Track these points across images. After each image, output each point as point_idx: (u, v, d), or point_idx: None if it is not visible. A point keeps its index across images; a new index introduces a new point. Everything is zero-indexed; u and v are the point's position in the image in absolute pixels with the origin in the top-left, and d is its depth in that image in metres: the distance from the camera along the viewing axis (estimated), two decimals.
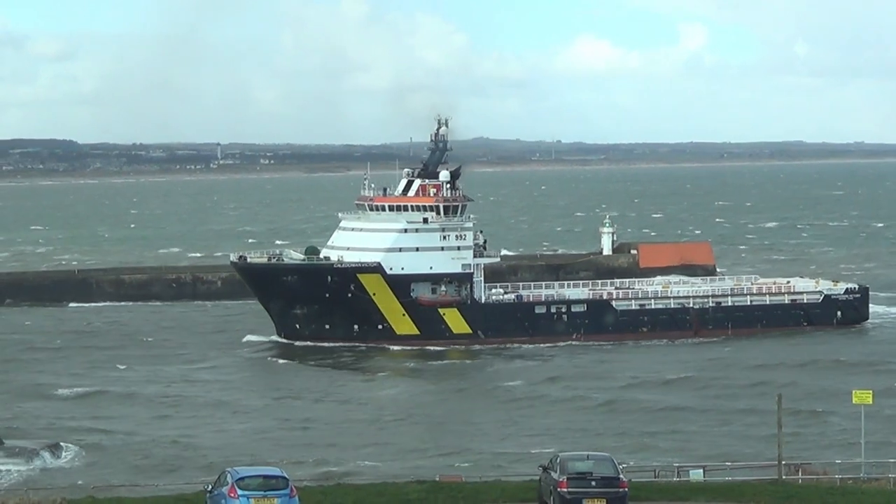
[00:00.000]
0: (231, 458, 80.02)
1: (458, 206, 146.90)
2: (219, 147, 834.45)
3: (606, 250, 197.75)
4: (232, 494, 44.97)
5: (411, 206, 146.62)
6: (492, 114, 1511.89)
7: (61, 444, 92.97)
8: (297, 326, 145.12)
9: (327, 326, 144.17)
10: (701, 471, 66.05)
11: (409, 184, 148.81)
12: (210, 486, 47.61)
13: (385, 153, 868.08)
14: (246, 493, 44.88)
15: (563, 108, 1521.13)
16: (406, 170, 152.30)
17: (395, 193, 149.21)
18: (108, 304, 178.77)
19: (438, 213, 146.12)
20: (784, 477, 61.81)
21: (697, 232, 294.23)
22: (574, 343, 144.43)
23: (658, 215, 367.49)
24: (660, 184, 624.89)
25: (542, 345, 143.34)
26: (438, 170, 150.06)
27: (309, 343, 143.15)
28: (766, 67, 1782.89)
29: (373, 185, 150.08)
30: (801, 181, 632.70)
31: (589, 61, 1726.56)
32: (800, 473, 65.56)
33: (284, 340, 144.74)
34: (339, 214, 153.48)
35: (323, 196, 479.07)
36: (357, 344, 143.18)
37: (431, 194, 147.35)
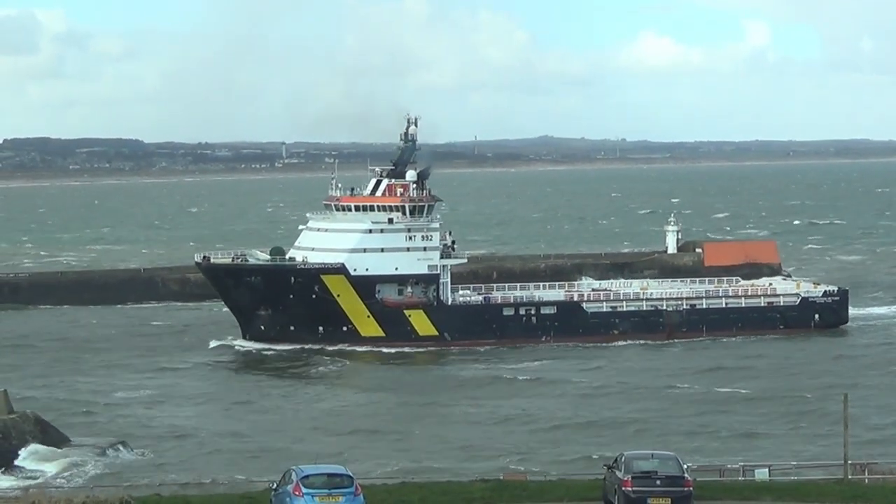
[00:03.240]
0: (296, 456, 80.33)
1: (424, 206, 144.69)
2: (283, 146, 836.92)
3: (671, 249, 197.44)
4: (297, 492, 44.99)
5: (377, 207, 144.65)
6: (555, 112, 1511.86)
7: (127, 441, 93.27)
8: (262, 328, 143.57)
9: (292, 328, 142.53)
10: (766, 470, 65.31)
11: (378, 183, 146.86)
12: (275, 485, 47.94)
13: (450, 151, 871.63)
14: (311, 491, 44.92)
15: (627, 106, 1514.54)
16: (376, 169, 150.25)
17: (365, 193, 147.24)
18: (172, 303, 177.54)
19: (404, 213, 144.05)
20: (850, 476, 60.49)
21: (763, 232, 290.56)
22: (542, 346, 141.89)
23: (721, 215, 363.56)
24: (725, 181, 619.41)
25: (506, 347, 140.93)
26: (406, 169, 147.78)
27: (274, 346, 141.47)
28: (830, 64, 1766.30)
29: (339, 185, 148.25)
30: (871, 180, 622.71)
31: (652, 58, 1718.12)
32: (866, 473, 64.07)
33: (249, 343, 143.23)
34: (308, 215, 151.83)
35: None
36: (323, 345, 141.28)
37: (398, 194, 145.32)
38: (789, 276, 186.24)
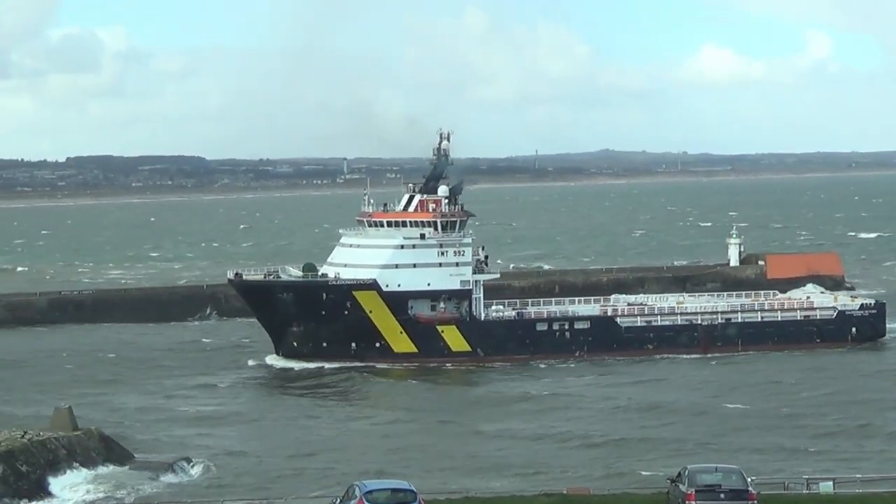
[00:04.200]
0: (351, 474, 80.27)
1: (456, 221, 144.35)
2: (345, 161, 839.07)
3: (734, 261, 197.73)
4: None
5: (409, 222, 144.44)
6: (616, 125, 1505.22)
7: (191, 458, 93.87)
8: (295, 344, 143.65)
9: (324, 344, 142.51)
10: (831, 483, 64.73)
11: (410, 199, 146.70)
12: (338, 500, 48.15)
13: (511, 166, 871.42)
14: None
15: (688, 119, 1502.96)
16: (409, 184, 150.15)
17: (397, 209, 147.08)
18: (236, 319, 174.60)
19: (436, 228, 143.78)
20: None
21: (823, 242, 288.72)
22: (575, 362, 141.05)
23: (779, 226, 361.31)
24: (788, 194, 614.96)
25: (541, 363, 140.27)
26: (438, 184, 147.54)
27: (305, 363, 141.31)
28: (892, 74, 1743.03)
29: (372, 201, 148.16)
30: None
31: (712, 70, 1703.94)
32: None
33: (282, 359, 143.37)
34: (340, 231, 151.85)
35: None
36: (356, 362, 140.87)
37: (430, 209, 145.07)
38: (852, 288, 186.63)
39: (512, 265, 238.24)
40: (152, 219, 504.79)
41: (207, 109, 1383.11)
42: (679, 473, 50.12)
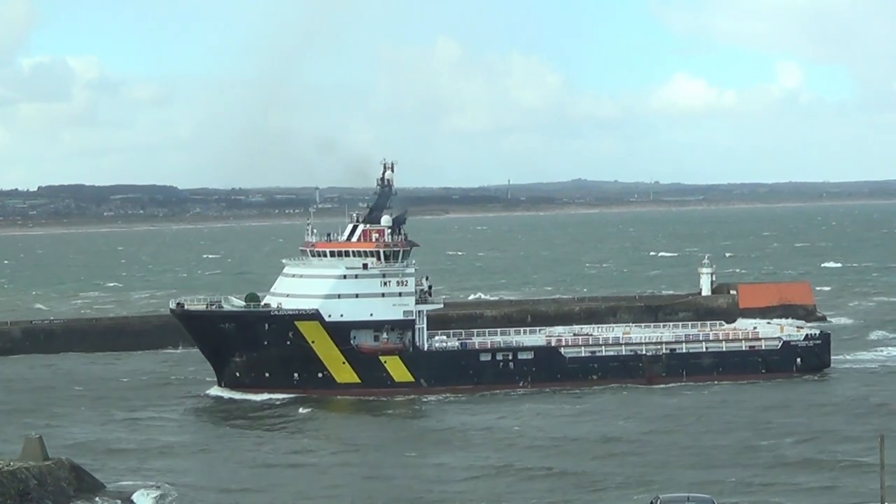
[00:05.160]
0: None
1: (399, 251, 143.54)
2: (317, 191, 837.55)
3: (705, 291, 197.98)
4: None
5: (352, 252, 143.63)
6: (588, 155, 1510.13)
7: (158, 485, 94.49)
8: (237, 375, 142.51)
9: (267, 375, 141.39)
10: None
11: (354, 229, 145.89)
12: None
13: (483, 195, 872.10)
14: None
15: (660, 149, 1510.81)
16: (353, 214, 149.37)
17: (341, 239, 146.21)
18: None
19: (379, 258, 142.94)
20: None
21: (796, 273, 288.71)
22: (519, 392, 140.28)
23: (754, 255, 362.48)
24: (759, 223, 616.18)
25: (485, 393, 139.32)
26: (382, 214, 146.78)
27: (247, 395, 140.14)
28: (863, 105, 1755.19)
29: (315, 231, 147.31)
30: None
31: (685, 100, 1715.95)
32: None
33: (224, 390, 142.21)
34: (283, 261, 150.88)
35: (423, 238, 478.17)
36: (298, 393, 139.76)
37: (373, 239, 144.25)
38: (824, 317, 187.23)
39: (479, 294, 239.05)
40: (119, 247, 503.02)
41: (180, 138, 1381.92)
42: (651, 502, 49.31)
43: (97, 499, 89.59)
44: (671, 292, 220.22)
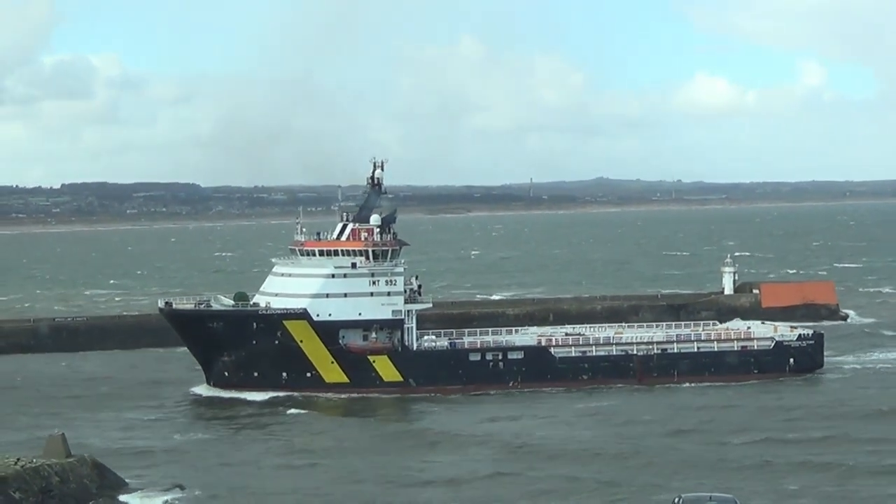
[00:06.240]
0: None
1: (388, 250, 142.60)
2: (339, 189, 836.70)
3: (728, 290, 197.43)
4: None
5: (341, 251, 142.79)
6: (611, 153, 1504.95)
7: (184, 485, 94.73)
8: (226, 374, 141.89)
9: (255, 374, 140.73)
10: None
11: (344, 228, 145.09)
12: None
13: (506, 194, 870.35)
14: None
15: (683, 147, 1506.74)
16: (343, 213, 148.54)
17: (331, 237, 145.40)
18: None
19: (368, 257, 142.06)
20: None
21: (822, 272, 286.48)
22: (509, 391, 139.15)
23: (771, 255, 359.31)
24: (782, 222, 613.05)
25: (475, 393, 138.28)
26: (371, 213, 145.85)
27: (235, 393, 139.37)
28: (886, 103, 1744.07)
29: (304, 230, 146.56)
30: None
31: (708, 99, 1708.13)
32: None
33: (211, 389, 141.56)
34: (273, 260, 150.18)
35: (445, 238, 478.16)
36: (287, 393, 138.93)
37: (362, 238, 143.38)
38: (847, 317, 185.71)
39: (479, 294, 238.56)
40: (129, 248, 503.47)
41: (202, 136, 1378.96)
42: (674, 501, 51.19)
43: (119, 497, 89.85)
44: (691, 291, 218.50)
